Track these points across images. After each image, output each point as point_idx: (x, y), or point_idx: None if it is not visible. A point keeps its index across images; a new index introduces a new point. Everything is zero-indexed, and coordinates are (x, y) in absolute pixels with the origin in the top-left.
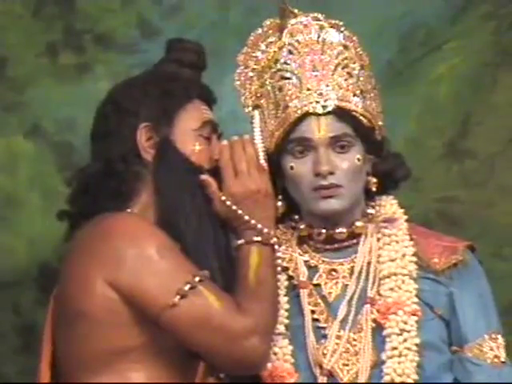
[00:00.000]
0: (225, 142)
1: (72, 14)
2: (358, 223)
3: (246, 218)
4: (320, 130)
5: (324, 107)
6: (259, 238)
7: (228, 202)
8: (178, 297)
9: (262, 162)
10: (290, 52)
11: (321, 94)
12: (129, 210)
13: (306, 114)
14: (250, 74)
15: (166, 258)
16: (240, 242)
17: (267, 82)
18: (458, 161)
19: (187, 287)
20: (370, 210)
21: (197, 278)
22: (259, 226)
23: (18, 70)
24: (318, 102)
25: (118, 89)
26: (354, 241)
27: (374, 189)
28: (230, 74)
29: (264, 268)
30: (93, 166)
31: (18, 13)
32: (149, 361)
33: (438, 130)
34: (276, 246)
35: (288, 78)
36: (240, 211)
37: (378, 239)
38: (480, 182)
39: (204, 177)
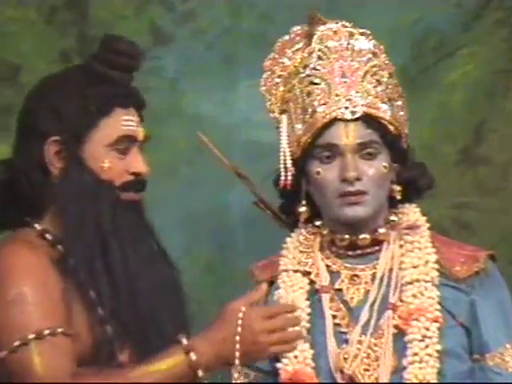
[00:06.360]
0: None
1: (85, 21)
2: (381, 230)
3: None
4: (348, 136)
5: (352, 113)
6: (190, 361)
7: None
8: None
9: (289, 165)
10: (320, 58)
11: (349, 100)
12: (36, 225)
13: (334, 120)
14: (276, 79)
15: (19, 306)
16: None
17: (295, 87)
18: (473, 167)
19: (18, 343)
20: (393, 218)
21: (31, 336)
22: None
23: (31, 77)
24: (346, 108)
25: (38, 90)
26: (377, 247)
27: (398, 197)
28: (242, 81)
29: (168, 377)
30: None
31: (31, 19)
32: None
33: (451, 136)
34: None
35: (317, 84)
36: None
37: (401, 246)
38: (494, 189)
39: (264, 286)
